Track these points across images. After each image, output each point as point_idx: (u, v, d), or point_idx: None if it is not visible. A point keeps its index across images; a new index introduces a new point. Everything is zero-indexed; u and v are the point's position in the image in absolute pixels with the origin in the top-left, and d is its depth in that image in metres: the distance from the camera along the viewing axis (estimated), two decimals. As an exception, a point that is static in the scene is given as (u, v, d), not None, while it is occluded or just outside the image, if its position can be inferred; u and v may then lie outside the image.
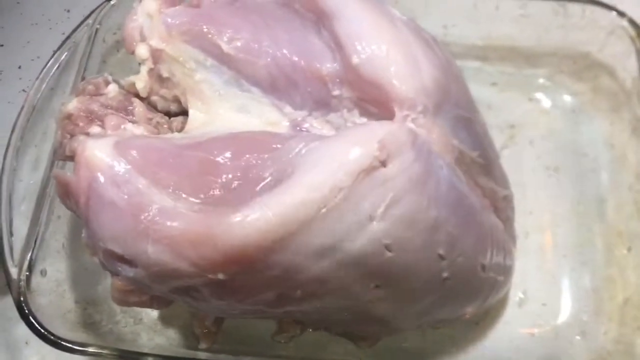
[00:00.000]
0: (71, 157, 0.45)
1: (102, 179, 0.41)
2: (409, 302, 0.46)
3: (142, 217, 0.40)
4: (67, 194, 0.44)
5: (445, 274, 0.45)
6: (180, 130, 0.48)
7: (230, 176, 0.41)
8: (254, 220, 0.38)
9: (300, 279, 0.41)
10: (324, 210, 0.39)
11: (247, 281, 0.41)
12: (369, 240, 0.40)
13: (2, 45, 0.77)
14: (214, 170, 0.41)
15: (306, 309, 0.44)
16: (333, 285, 0.42)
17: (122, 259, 0.42)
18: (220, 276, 0.40)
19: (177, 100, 0.49)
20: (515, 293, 0.59)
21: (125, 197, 0.41)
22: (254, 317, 0.48)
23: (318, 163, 0.39)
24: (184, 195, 0.41)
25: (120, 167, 0.41)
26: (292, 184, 0.39)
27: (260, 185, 0.40)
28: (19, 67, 0.75)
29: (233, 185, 0.41)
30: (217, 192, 0.41)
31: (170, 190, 0.41)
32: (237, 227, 0.38)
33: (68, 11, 0.79)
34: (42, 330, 0.50)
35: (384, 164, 0.40)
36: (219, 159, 0.42)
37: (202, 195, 0.41)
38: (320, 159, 0.40)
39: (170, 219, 0.40)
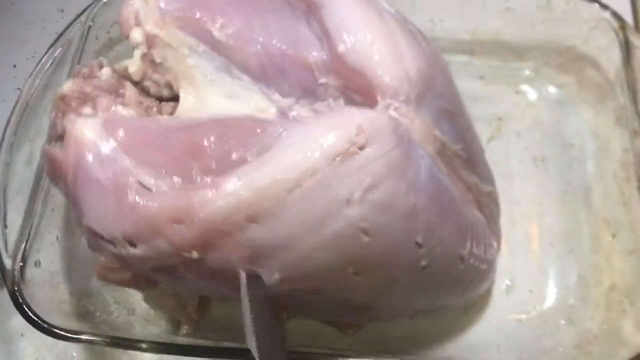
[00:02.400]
0: (62, 136, 0.46)
1: (89, 156, 0.42)
2: (387, 289, 0.47)
3: (124, 198, 0.41)
4: (55, 170, 0.45)
5: (423, 262, 0.45)
6: (171, 114, 0.49)
7: (212, 158, 0.42)
8: (226, 194, 0.39)
9: (275, 260, 0.41)
10: (298, 190, 0.39)
11: (222, 260, 0.41)
12: (346, 224, 0.40)
13: (-4, 45, 0.78)
14: (197, 152, 0.42)
15: (283, 292, 0.44)
16: (310, 269, 0.42)
17: (103, 239, 0.43)
18: (195, 254, 0.40)
19: (169, 85, 0.50)
20: (502, 280, 0.60)
21: (110, 176, 0.42)
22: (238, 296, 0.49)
23: (295, 144, 0.40)
24: (166, 176, 0.41)
25: (107, 145, 0.42)
26: (267, 161, 0.40)
27: (239, 165, 0.40)
28: (14, 66, 0.76)
29: (214, 166, 0.41)
30: (198, 172, 0.41)
31: (154, 170, 0.42)
32: (211, 200, 0.39)
33: (62, 11, 0.80)
34: (36, 319, 0.51)
35: (362, 148, 0.40)
36: (203, 141, 0.42)
37: (184, 175, 0.41)
38: (297, 140, 0.40)
39: (150, 198, 0.40)
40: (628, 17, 0.70)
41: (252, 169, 0.40)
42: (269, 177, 0.39)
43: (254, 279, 0.42)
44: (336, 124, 0.41)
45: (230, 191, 0.39)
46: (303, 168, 0.39)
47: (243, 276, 0.41)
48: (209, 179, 0.40)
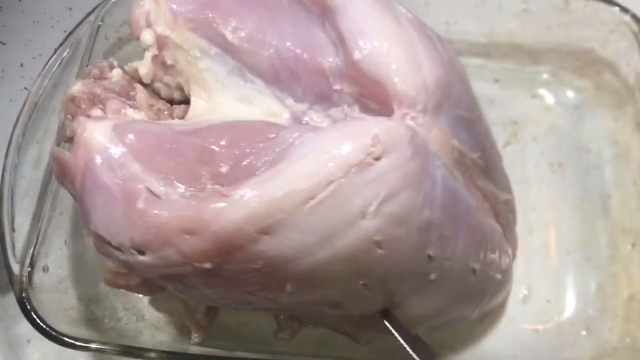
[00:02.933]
0: (72, 138, 0.45)
1: (98, 160, 0.41)
2: (398, 301, 0.46)
3: (133, 205, 0.40)
4: (63, 173, 0.44)
5: (432, 276, 0.44)
6: (182, 117, 0.48)
7: (224, 164, 0.41)
8: (240, 206, 0.38)
9: (287, 271, 0.40)
10: (312, 201, 0.38)
11: (234, 271, 0.40)
12: (360, 236, 0.39)
13: (3, 44, 0.77)
14: (209, 158, 0.41)
15: (297, 303, 0.43)
16: (322, 281, 0.41)
17: (111, 245, 0.42)
18: (208, 265, 0.40)
19: (180, 88, 0.49)
20: (519, 289, 0.59)
21: (119, 182, 0.41)
22: (248, 308, 0.48)
23: (309, 153, 0.39)
24: (176, 182, 0.40)
25: (117, 150, 0.41)
26: (281, 172, 0.39)
27: (252, 173, 0.40)
28: (21, 65, 0.75)
29: (226, 173, 0.40)
30: (210, 179, 0.40)
31: (164, 177, 0.41)
32: (224, 212, 0.38)
33: (70, 9, 0.79)
34: (44, 327, 0.50)
35: (378, 159, 0.39)
36: (214, 146, 0.41)
37: (195, 182, 0.40)
38: (312, 150, 0.39)
39: (160, 206, 0.39)
40: (649, 21, 0.69)
41: (265, 180, 0.39)
42: (282, 189, 0.38)
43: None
44: (351, 133, 0.40)
45: (243, 203, 0.38)
46: (317, 179, 0.38)
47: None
48: (221, 188, 0.39)
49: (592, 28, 0.65)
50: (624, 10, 0.62)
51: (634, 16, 0.61)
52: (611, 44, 0.64)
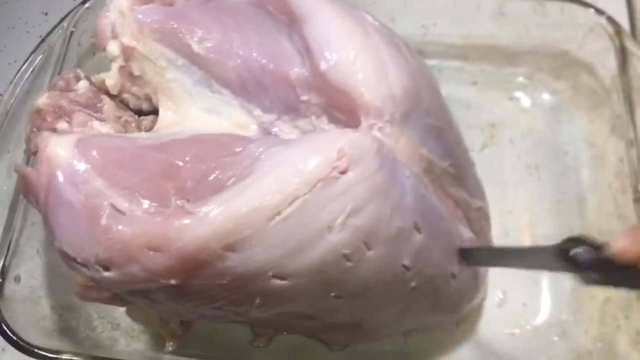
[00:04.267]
0: (37, 152, 0.44)
1: (61, 177, 0.41)
2: (372, 311, 0.46)
3: (96, 221, 0.39)
4: (28, 189, 0.44)
5: (412, 284, 0.44)
6: (150, 129, 0.48)
7: (189, 179, 0.40)
8: (205, 223, 0.38)
9: (255, 286, 0.40)
10: (278, 217, 0.38)
11: (201, 287, 0.40)
12: (328, 251, 0.39)
13: (-22, 49, 0.76)
14: (174, 173, 0.40)
15: (266, 316, 0.43)
16: (291, 295, 0.41)
17: (76, 262, 0.41)
18: (173, 281, 0.39)
19: (148, 98, 0.49)
20: (495, 293, 0.59)
21: (82, 198, 0.40)
22: (218, 322, 0.48)
23: (274, 169, 0.39)
24: (141, 198, 0.40)
25: (80, 166, 0.41)
26: (246, 188, 0.38)
27: (218, 189, 0.39)
28: (-5, 72, 0.75)
29: (192, 189, 0.40)
30: (174, 195, 0.40)
31: (128, 192, 0.40)
32: (188, 229, 0.38)
33: (46, 14, 0.78)
34: (16, 339, 0.50)
35: (344, 172, 0.39)
36: (179, 161, 0.41)
37: (159, 198, 0.40)
38: (277, 165, 0.39)
39: (124, 223, 0.39)
40: (624, 23, 0.69)
41: (230, 196, 0.38)
42: (248, 205, 0.38)
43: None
44: (316, 147, 0.39)
45: (208, 220, 0.38)
46: (283, 195, 0.38)
47: None
48: (185, 204, 0.39)
49: (569, 30, 0.64)
50: (600, 12, 0.62)
51: (609, 18, 0.61)
52: (587, 46, 0.64)
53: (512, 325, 0.58)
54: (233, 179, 0.39)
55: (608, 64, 0.61)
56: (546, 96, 0.68)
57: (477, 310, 0.58)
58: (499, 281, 0.59)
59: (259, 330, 0.54)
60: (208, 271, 0.39)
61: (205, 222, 0.38)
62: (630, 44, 0.59)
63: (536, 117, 0.67)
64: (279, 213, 0.38)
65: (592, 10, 0.62)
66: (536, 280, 0.59)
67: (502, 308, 0.59)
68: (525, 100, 0.68)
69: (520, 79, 0.69)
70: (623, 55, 0.59)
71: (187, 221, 0.38)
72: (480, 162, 0.57)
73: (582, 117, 0.66)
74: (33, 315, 0.55)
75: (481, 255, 0.49)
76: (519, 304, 0.58)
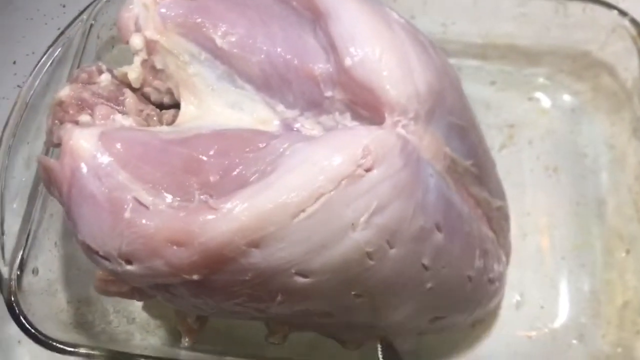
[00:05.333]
0: (59, 145, 0.44)
1: (85, 169, 0.41)
2: (389, 311, 0.45)
3: (119, 214, 0.39)
4: (50, 181, 0.44)
5: (429, 284, 0.44)
6: (171, 123, 0.48)
7: (212, 174, 0.40)
8: (229, 219, 0.37)
9: (277, 283, 0.40)
10: (303, 214, 0.38)
11: (223, 282, 0.40)
12: (351, 248, 0.39)
13: (-4, 41, 0.76)
14: (197, 168, 0.40)
15: (287, 312, 0.43)
16: (312, 292, 0.41)
17: (98, 254, 0.41)
18: (195, 276, 0.39)
19: (170, 92, 0.49)
20: (512, 295, 0.58)
21: (106, 191, 0.40)
22: (237, 318, 0.48)
23: (299, 166, 0.38)
24: (164, 192, 0.40)
25: (104, 158, 0.41)
26: (271, 185, 0.38)
27: (241, 184, 0.39)
28: (14, 63, 0.75)
29: (215, 183, 0.40)
30: (198, 190, 0.40)
31: (151, 186, 0.40)
32: (212, 224, 0.38)
33: (64, 6, 0.78)
34: (33, 331, 0.50)
35: (369, 170, 0.39)
36: (202, 156, 0.41)
37: (182, 193, 0.40)
38: (302, 161, 0.39)
39: (147, 217, 0.39)
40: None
41: (255, 192, 0.38)
42: (272, 202, 0.37)
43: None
44: (341, 144, 0.39)
45: (232, 216, 0.37)
46: (308, 192, 0.38)
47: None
48: (209, 199, 0.39)
49: (590, 31, 0.64)
50: (623, 13, 0.61)
51: (632, 20, 0.61)
52: (609, 47, 0.64)
53: (529, 327, 0.57)
54: (257, 174, 0.39)
55: (630, 66, 0.61)
56: (566, 97, 0.68)
57: (494, 312, 0.57)
58: (516, 283, 0.59)
59: (274, 327, 0.54)
60: (231, 267, 0.39)
61: (229, 218, 0.37)
62: (653, 47, 0.59)
63: (556, 119, 0.67)
64: (303, 210, 0.38)
65: (615, 12, 0.61)
66: (554, 283, 0.59)
67: (519, 310, 0.58)
68: (545, 101, 0.68)
69: (541, 79, 0.68)
70: (646, 58, 0.59)
71: (211, 217, 0.38)
72: (499, 162, 0.57)
73: (602, 119, 0.65)
74: (50, 308, 0.55)
75: None
76: (537, 307, 0.58)
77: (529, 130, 0.66)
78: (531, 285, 0.59)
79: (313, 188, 0.38)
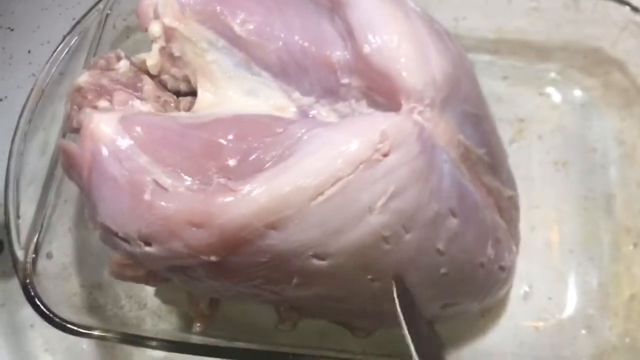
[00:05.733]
0: (78, 130, 0.45)
1: (105, 152, 0.41)
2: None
3: (140, 197, 0.40)
4: (70, 165, 0.44)
5: (443, 270, 0.45)
6: (188, 110, 0.48)
7: (231, 158, 0.41)
8: (248, 201, 0.38)
9: (294, 265, 0.40)
10: (320, 198, 0.38)
11: (241, 264, 0.40)
12: (367, 232, 0.40)
13: (12, 30, 0.77)
14: (215, 152, 0.41)
15: (302, 295, 0.44)
16: (329, 275, 0.41)
17: (118, 236, 0.42)
18: (213, 258, 0.40)
19: (187, 79, 0.49)
20: (520, 287, 0.59)
21: (126, 173, 0.41)
22: (252, 301, 0.48)
23: (318, 150, 0.39)
24: (183, 175, 0.41)
25: (124, 142, 0.41)
26: (289, 168, 0.39)
27: (260, 168, 0.40)
28: (29, 52, 0.75)
29: (233, 168, 0.40)
30: (216, 173, 0.40)
31: (171, 169, 0.41)
32: (231, 206, 0.38)
33: (79, -4, 0.79)
34: (48, 313, 0.50)
35: (386, 155, 0.39)
36: (221, 140, 0.41)
37: (201, 176, 0.40)
38: (320, 146, 0.39)
39: (167, 199, 0.40)
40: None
41: (273, 175, 0.39)
42: (291, 185, 0.38)
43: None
44: (360, 129, 0.40)
45: (251, 198, 0.38)
46: (326, 176, 0.38)
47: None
48: (228, 182, 0.39)
49: (602, 27, 0.64)
50: (635, 9, 0.62)
51: (645, 16, 0.61)
52: (621, 44, 0.64)
53: (537, 318, 0.58)
54: (275, 159, 0.40)
55: (641, 63, 0.61)
56: (577, 93, 0.68)
57: (502, 303, 0.58)
58: (525, 275, 0.59)
59: (285, 314, 0.55)
60: (249, 249, 0.39)
61: (248, 200, 0.38)
62: (664, 43, 0.59)
63: (566, 114, 0.67)
64: (321, 193, 0.38)
65: (627, 8, 0.62)
66: (562, 276, 0.59)
67: (527, 301, 0.59)
68: (555, 96, 0.68)
69: (552, 74, 0.68)
70: (657, 54, 0.59)
71: (230, 199, 0.38)
72: (509, 156, 0.57)
73: (612, 114, 0.66)
74: (63, 291, 0.56)
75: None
76: (545, 298, 0.59)
77: (539, 124, 0.67)
78: (539, 277, 0.59)
79: (331, 172, 0.38)
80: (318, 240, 0.39)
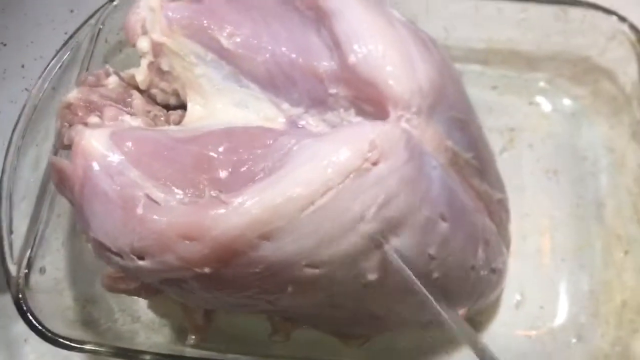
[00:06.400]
0: (69, 146, 0.45)
1: (97, 168, 0.42)
2: (396, 302, 0.46)
3: (132, 211, 0.40)
4: (62, 181, 0.45)
5: (435, 274, 0.45)
6: (178, 123, 0.48)
7: (222, 170, 0.41)
8: (240, 213, 0.38)
9: (287, 275, 0.41)
10: (312, 207, 0.39)
11: (234, 275, 0.41)
12: (360, 241, 0.40)
13: (5, 45, 0.77)
14: (206, 165, 0.41)
15: (296, 304, 0.44)
16: (321, 283, 0.42)
17: (110, 251, 0.42)
18: (207, 270, 0.40)
19: (176, 93, 0.50)
20: (512, 295, 0.59)
21: (118, 188, 0.41)
22: (245, 311, 0.48)
23: (308, 160, 0.39)
24: (175, 189, 0.41)
25: (115, 157, 0.42)
26: (280, 179, 0.39)
27: (251, 179, 0.40)
28: (22, 67, 0.76)
29: (224, 180, 0.41)
30: (208, 186, 0.41)
31: (162, 183, 0.41)
32: (224, 218, 0.38)
33: (72, 11, 0.79)
34: (40, 327, 0.50)
35: (375, 164, 0.40)
36: (212, 153, 0.42)
37: (193, 189, 0.41)
38: (310, 156, 0.40)
39: (159, 213, 0.40)
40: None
41: (265, 187, 0.39)
42: (282, 196, 0.38)
43: None
44: (348, 139, 0.40)
45: (243, 209, 0.38)
46: (316, 186, 0.39)
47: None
48: (220, 195, 0.40)
49: (590, 36, 0.65)
50: (622, 19, 0.62)
51: (631, 25, 0.62)
52: (609, 53, 0.64)
53: (529, 327, 0.58)
54: (266, 170, 0.40)
55: (629, 71, 0.62)
56: (566, 101, 0.68)
57: (494, 311, 0.58)
58: (517, 283, 0.59)
59: (278, 325, 0.55)
60: (242, 260, 0.39)
61: (240, 211, 0.38)
62: (652, 52, 0.60)
63: (556, 122, 0.68)
64: (312, 203, 0.39)
65: (614, 18, 0.62)
66: (554, 283, 0.60)
67: (519, 309, 0.59)
68: (545, 105, 0.69)
69: (541, 84, 0.69)
70: (645, 62, 0.60)
71: (222, 211, 0.39)
72: (500, 166, 0.58)
73: (602, 122, 0.66)
74: (57, 306, 0.56)
75: None
76: (536, 306, 0.59)
77: (529, 133, 0.67)
78: (531, 286, 0.60)
79: (321, 182, 0.39)
80: (310, 249, 0.40)
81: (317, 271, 0.41)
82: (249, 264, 0.40)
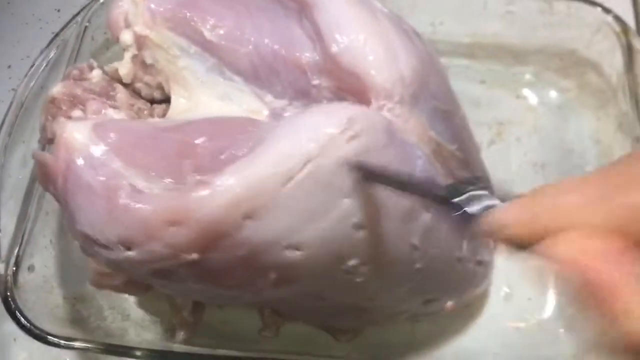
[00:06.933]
0: (53, 140, 0.45)
1: (80, 160, 0.41)
2: (380, 291, 0.46)
3: (116, 201, 0.40)
4: (45, 175, 0.45)
5: (418, 265, 0.45)
6: (162, 116, 0.49)
7: (204, 156, 0.41)
8: (222, 192, 0.38)
9: (270, 258, 0.40)
10: (292, 182, 0.38)
11: (220, 261, 0.40)
12: (340, 217, 0.40)
13: (-9, 45, 0.77)
14: (189, 151, 0.41)
15: (282, 294, 0.44)
16: (304, 268, 0.41)
17: (97, 243, 0.42)
18: (194, 256, 0.40)
19: (160, 87, 0.50)
20: (500, 288, 0.59)
21: (101, 179, 0.41)
22: (235, 303, 0.48)
23: (287, 135, 0.39)
24: (158, 176, 0.41)
25: (97, 148, 0.41)
26: (259, 155, 0.39)
27: (233, 161, 0.40)
28: (9, 67, 0.76)
29: (206, 165, 0.41)
30: (191, 171, 0.41)
31: (145, 172, 0.41)
32: (207, 200, 0.38)
33: (58, 11, 0.79)
34: (29, 326, 0.50)
35: (354, 139, 0.39)
36: (194, 140, 0.42)
37: (176, 176, 0.41)
38: (288, 132, 0.40)
39: (143, 200, 0.40)
40: (630, 21, 0.69)
41: (245, 165, 0.39)
42: (262, 171, 0.38)
43: None
44: (328, 114, 0.40)
45: (225, 189, 0.38)
46: (296, 159, 0.38)
47: None
48: (202, 178, 0.40)
49: (576, 29, 0.65)
50: (607, 11, 0.63)
51: (616, 17, 0.62)
52: (594, 45, 0.65)
53: (518, 319, 0.58)
54: (247, 150, 0.40)
55: (615, 63, 0.62)
56: (553, 94, 0.69)
57: (483, 304, 0.58)
58: (505, 276, 0.59)
59: (268, 320, 0.55)
60: (227, 242, 0.39)
61: (222, 191, 0.38)
62: (636, 42, 0.60)
63: (543, 115, 0.68)
64: (292, 177, 0.38)
65: (599, 9, 0.63)
66: (542, 276, 0.60)
67: (508, 302, 0.59)
68: (532, 99, 0.69)
69: (528, 77, 0.69)
70: (629, 53, 0.60)
71: (205, 192, 0.38)
72: (487, 159, 0.58)
73: (588, 115, 0.66)
74: (46, 304, 0.56)
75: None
76: (525, 299, 0.59)
77: (517, 127, 0.67)
78: (519, 278, 0.59)
79: (300, 154, 0.38)
80: (292, 227, 0.39)
81: (298, 253, 0.40)
82: (234, 247, 0.40)
